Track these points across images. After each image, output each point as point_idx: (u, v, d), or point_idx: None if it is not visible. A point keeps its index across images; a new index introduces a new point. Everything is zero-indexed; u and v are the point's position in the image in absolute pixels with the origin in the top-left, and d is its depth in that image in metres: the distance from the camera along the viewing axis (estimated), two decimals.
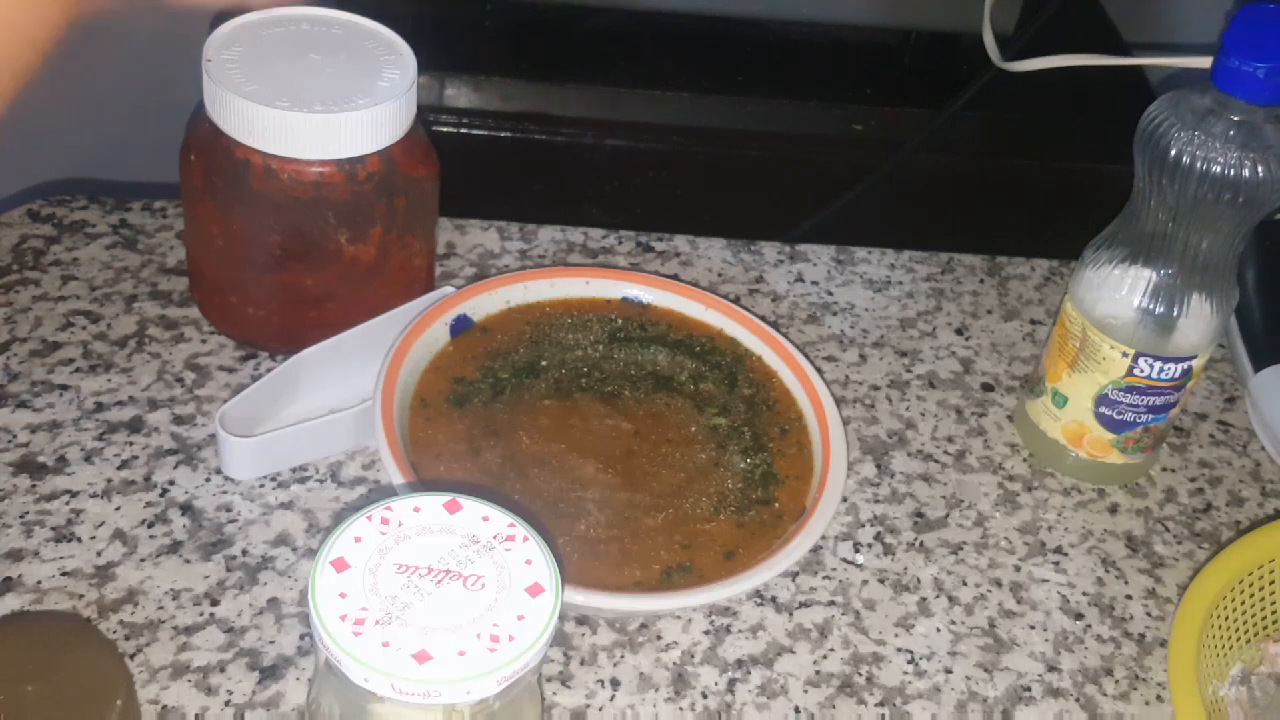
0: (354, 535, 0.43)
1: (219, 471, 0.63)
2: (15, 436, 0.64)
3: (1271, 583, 0.61)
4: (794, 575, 0.63)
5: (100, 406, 0.66)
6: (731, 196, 1.01)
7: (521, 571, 0.43)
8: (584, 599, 0.56)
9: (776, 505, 0.63)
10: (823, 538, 0.64)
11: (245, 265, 0.67)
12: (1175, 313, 0.64)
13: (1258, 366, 0.76)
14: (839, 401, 0.69)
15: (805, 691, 0.58)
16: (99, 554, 0.59)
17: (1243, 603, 0.60)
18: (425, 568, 0.42)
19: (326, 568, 0.42)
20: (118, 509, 0.61)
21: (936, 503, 0.68)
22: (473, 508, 0.45)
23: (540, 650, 0.41)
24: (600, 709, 0.56)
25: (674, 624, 0.60)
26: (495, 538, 0.44)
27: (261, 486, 0.63)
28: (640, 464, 0.63)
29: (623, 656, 0.59)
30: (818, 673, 0.59)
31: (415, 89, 0.65)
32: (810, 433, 0.66)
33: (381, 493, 0.64)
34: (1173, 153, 0.60)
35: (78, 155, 1.10)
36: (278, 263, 0.66)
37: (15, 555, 0.59)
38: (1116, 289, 0.65)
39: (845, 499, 0.67)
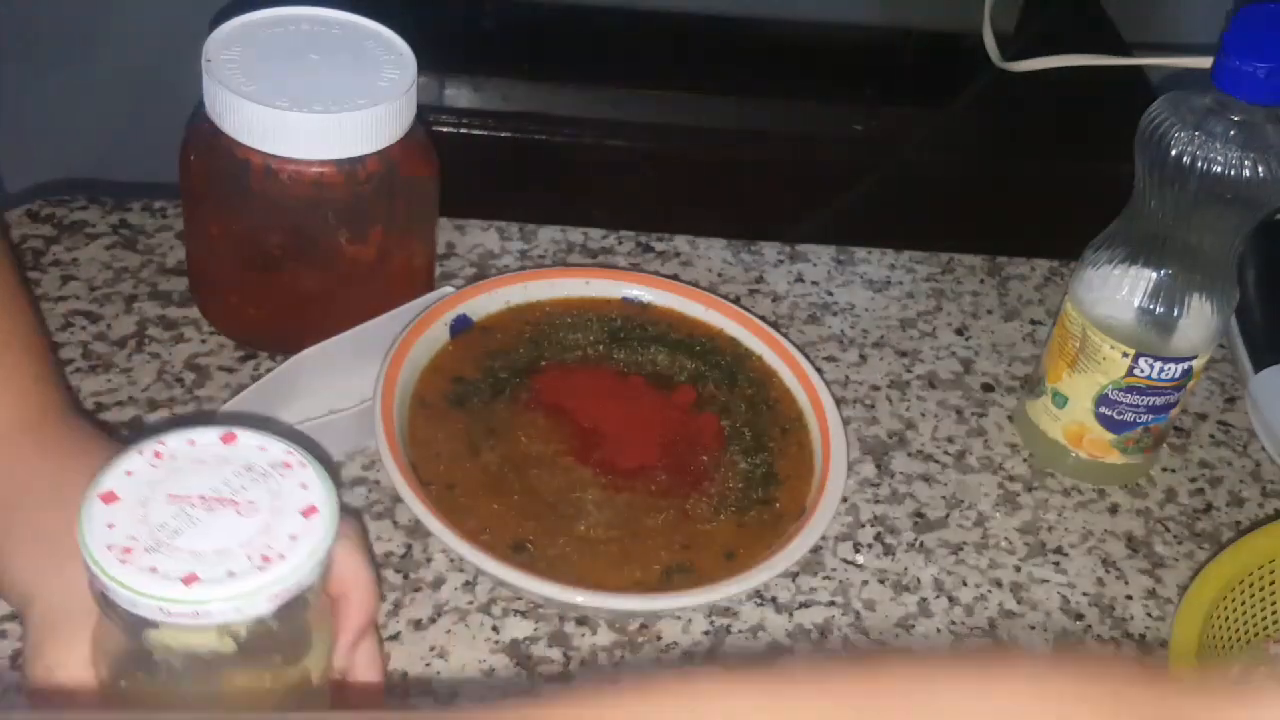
0: (125, 469, 0.43)
1: None
2: None
3: (1272, 584, 0.61)
4: (794, 575, 0.63)
5: (100, 407, 0.66)
6: (731, 196, 1.01)
7: (296, 495, 0.42)
8: (584, 599, 0.56)
9: (777, 505, 0.63)
10: (823, 538, 0.64)
11: (245, 265, 0.67)
12: (1175, 313, 0.64)
13: (1258, 366, 0.76)
14: (839, 402, 0.69)
15: None
16: None
17: (1243, 604, 0.60)
18: (197, 496, 0.42)
19: (94, 501, 0.41)
20: None
21: (937, 503, 0.68)
22: (249, 438, 0.44)
23: (315, 568, 0.41)
24: None
25: (674, 624, 0.60)
26: (271, 465, 0.43)
27: None
28: (639, 464, 0.63)
29: (622, 657, 0.59)
30: None
31: (415, 89, 0.65)
32: (810, 433, 0.66)
33: (382, 493, 0.64)
34: (1173, 153, 0.60)
35: (77, 155, 1.10)
36: (277, 263, 0.66)
37: None
38: (1117, 289, 0.65)
39: (845, 499, 0.67)
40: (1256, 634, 0.61)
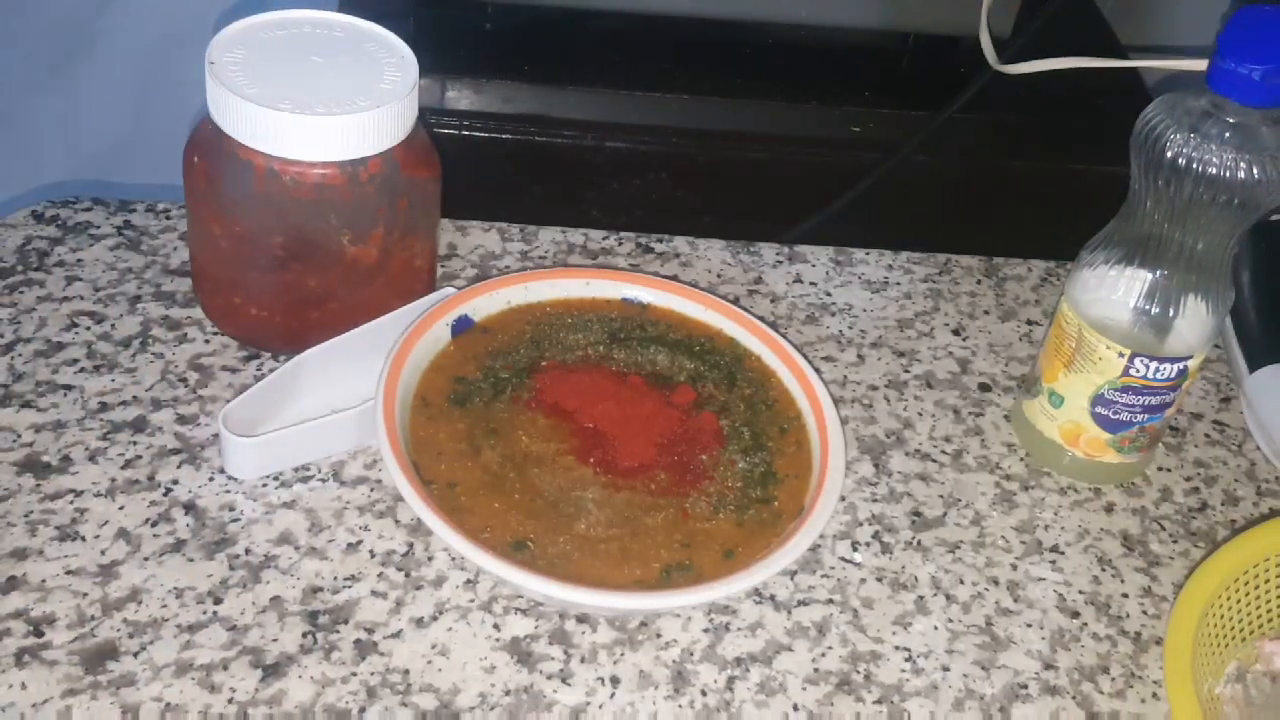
0: None
1: (222, 471, 0.64)
2: (20, 436, 0.64)
3: (1266, 581, 0.61)
4: (793, 574, 0.64)
5: (104, 406, 0.66)
6: (731, 197, 1.02)
7: None
8: (584, 597, 0.56)
9: (775, 504, 0.63)
10: (821, 536, 0.64)
11: (248, 266, 0.67)
12: (1171, 313, 0.65)
13: (1253, 366, 0.76)
14: (837, 401, 0.69)
15: (804, 689, 0.59)
16: (103, 553, 0.60)
17: (1238, 601, 0.60)
18: None
19: None
20: (121, 508, 0.62)
21: (934, 502, 0.68)
22: None
23: None
24: (600, 706, 0.57)
25: (673, 622, 0.61)
26: None
27: (264, 486, 0.64)
28: (639, 463, 0.63)
29: (622, 654, 0.59)
30: (816, 670, 0.60)
31: (416, 91, 0.66)
32: (809, 432, 0.66)
33: (383, 491, 0.64)
34: (1169, 154, 0.61)
35: (82, 157, 1.10)
36: (280, 264, 0.66)
37: (20, 554, 0.59)
38: (1112, 290, 0.66)
39: (843, 498, 0.68)
40: (1251, 631, 0.61)
